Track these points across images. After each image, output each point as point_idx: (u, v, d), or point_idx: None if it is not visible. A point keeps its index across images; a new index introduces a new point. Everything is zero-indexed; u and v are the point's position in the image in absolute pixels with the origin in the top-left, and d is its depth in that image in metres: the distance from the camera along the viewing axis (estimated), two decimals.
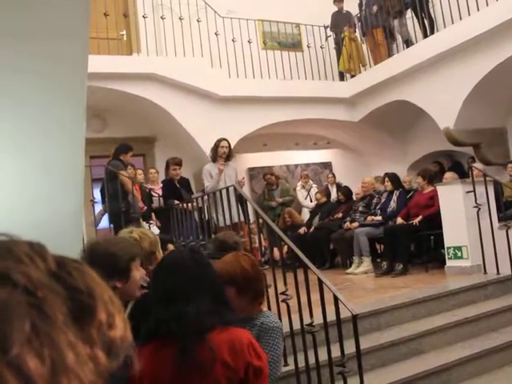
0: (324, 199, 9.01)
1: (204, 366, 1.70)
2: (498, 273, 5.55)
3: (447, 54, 7.77)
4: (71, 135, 3.32)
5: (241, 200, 4.68)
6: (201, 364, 1.70)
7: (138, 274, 2.15)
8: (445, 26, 7.97)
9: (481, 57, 7.38)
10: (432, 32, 8.41)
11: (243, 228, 4.86)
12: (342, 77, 10.20)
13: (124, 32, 8.85)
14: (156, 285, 1.95)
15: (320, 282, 3.29)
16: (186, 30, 8.38)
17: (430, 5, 8.51)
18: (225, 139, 6.47)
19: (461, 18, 7.63)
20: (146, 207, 6.67)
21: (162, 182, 7.37)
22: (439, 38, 7.89)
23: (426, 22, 8.64)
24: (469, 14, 7.45)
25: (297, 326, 3.60)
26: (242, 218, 4.72)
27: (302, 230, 8.29)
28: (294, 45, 10.67)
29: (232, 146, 8.32)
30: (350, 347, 3.33)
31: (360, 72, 9.82)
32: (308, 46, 9.80)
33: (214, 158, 6.40)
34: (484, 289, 5.37)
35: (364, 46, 9.90)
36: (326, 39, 10.10)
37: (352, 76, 9.93)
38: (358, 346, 3.18)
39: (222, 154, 6.35)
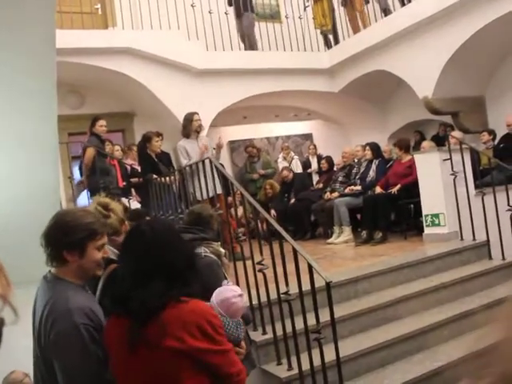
0: (291, 175, 9.03)
1: (152, 341, 1.73)
2: (473, 239, 5.66)
3: (425, 22, 7.75)
4: (42, 110, 3.30)
5: (217, 172, 4.68)
6: (149, 340, 1.73)
7: (97, 253, 2.07)
8: None
9: (458, 25, 7.37)
10: (409, 0, 8.37)
11: (220, 200, 4.88)
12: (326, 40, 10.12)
13: (98, 6, 8.70)
14: (120, 260, 1.96)
15: (295, 252, 3.34)
16: (162, 3, 8.27)
17: None
18: (197, 113, 6.41)
19: None
20: (124, 183, 6.66)
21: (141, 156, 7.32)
22: (417, 7, 7.85)
23: None
24: None
25: (274, 296, 3.67)
26: (219, 191, 4.73)
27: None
28: (273, 16, 10.58)
29: (212, 119, 8.32)
30: (327, 314, 3.39)
31: (331, 28, 9.81)
32: (286, 17, 9.70)
33: (188, 134, 6.33)
34: (460, 255, 5.48)
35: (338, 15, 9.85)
36: (305, 9, 10.01)
37: (323, 33, 9.92)
38: (332, 313, 3.24)
39: (198, 127, 6.29)
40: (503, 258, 5.47)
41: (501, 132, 7.53)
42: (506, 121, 7.18)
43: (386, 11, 8.93)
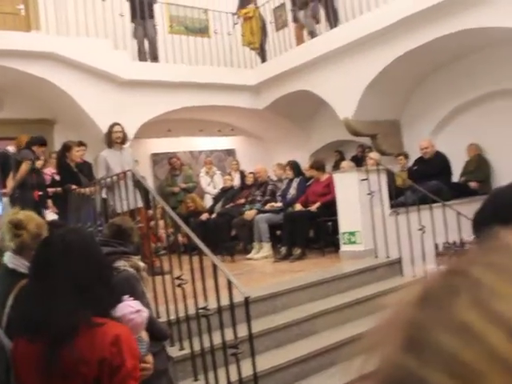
0: (231, 184, 9.11)
1: (66, 368, 1.64)
2: (387, 256, 5.91)
3: (348, 47, 8.04)
4: None
5: (138, 185, 4.64)
6: (63, 367, 1.64)
7: None
8: (347, 20, 8.27)
9: (379, 52, 7.71)
10: (335, 24, 8.68)
11: (141, 214, 4.84)
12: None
13: (22, 6, 8.41)
14: (29, 277, 1.85)
15: (215, 267, 3.36)
16: (90, 10, 8.12)
17: None
18: (118, 124, 6.35)
19: (362, 13, 7.94)
20: (41, 193, 6.45)
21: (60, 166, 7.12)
22: (341, 31, 8.15)
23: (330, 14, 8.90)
24: (377, 6, 7.72)
25: (192, 311, 3.67)
26: (140, 204, 4.69)
27: (204, 217, 8.34)
28: (201, 30, 10.62)
29: (135, 131, 8.22)
30: (245, 329, 3.42)
31: (258, 46, 10.02)
32: (215, 32, 9.80)
33: (109, 144, 6.28)
34: (374, 271, 5.70)
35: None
36: (234, 26, 10.15)
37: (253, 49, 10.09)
38: (250, 328, 3.29)
39: (116, 139, 6.24)
40: (414, 275, 5.74)
41: (414, 155, 7.91)
42: (420, 145, 7.56)
43: (312, 34, 9.20)
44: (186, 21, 10.22)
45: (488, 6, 6.29)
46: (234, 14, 10.28)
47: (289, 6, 9.82)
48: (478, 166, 7.96)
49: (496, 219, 0.93)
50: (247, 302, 3.23)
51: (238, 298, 3.42)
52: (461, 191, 7.16)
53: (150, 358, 2.18)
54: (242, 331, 3.42)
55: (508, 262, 0.30)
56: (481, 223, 0.99)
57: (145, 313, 2.20)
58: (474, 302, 0.28)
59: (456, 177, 7.84)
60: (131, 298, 2.22)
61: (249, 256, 7.21)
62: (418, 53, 7.38)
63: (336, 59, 8.33)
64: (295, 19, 9.60)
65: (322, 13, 9.12)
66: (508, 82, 7.40)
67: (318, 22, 9.27)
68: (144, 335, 2.25)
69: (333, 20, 8.83)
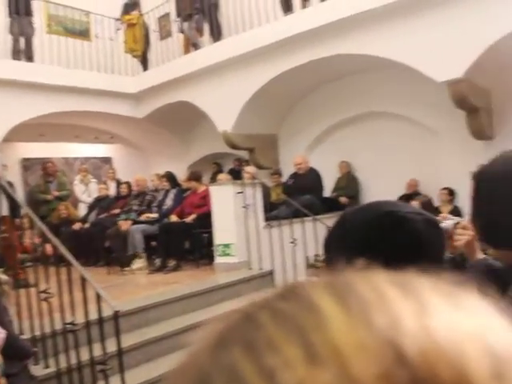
0: (107, 192, 8.87)
1: None
2: (260, 268, 6.07)
3: (230, 62, 8.16)
4: None
5: (4, 192, 4.37)
6: None
7: None
8: (230, 35, 8.43)
9: (260, 68, 7.91)
10: (219, 38, 8.81)
11: (5, 223, 4.57)
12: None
13: None
14: None
15: (83, 280, 3.26)
16: None
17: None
18: None
19: (245, 30, 8.13)
20: None
21: None
22: (224, 46, 8.27)
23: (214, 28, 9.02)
24: (260, 25, 7.92)
25: (59, 326, 3.52)
26: (5, 212, 4.42)
27: (77, 226, 8.04)
28: (82, 33, 10.27)
29: (4, 134, 7.74)
30: (115, 344, 3.35)
31: (141, 54, 9.93)
32: (96, 36, 9.53)
33: None
34: (248, 283, 5.82)
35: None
36: (116, 32, 9.93)
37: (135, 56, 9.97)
38: (119, 343, 3.22)
39: None
40: None
41: (290, 169, 8.20)
42: (294, 161, 7.86)
43: (195, 46, 9.26)
44: (65, 21, 9.84)
45: (359, 35, 6.71)
46: (117, 20, 10.05)
47: (173, 16, 9.83)
48: (348, 182, 8.45)
49: (341, 242, 0.99)
50: (116, 316, 3.17)
51: (108, 311, 3.34)
52: (332, 206, 7.53)
53: (2, 380, 2.08)
54: (112, 346, 3.34)
55: (292, 311, 0.28)
56: (329, 244, 1.03)
57: (2, 334, 2.09)
58: (250, 352, 0.27)
59: (328, 192, 8.26)
60: None
61: (123, 268, 7.04)
62: (296, 73, 7.68)
63: (218, 73, 8.44)
64: (182, 30, 9.61)
65: (206, 26, 9.23)
66: (376, 105, 7.96)
67: (201, 34, 9.36)
68: None
69: (216, 34, 8.96)
